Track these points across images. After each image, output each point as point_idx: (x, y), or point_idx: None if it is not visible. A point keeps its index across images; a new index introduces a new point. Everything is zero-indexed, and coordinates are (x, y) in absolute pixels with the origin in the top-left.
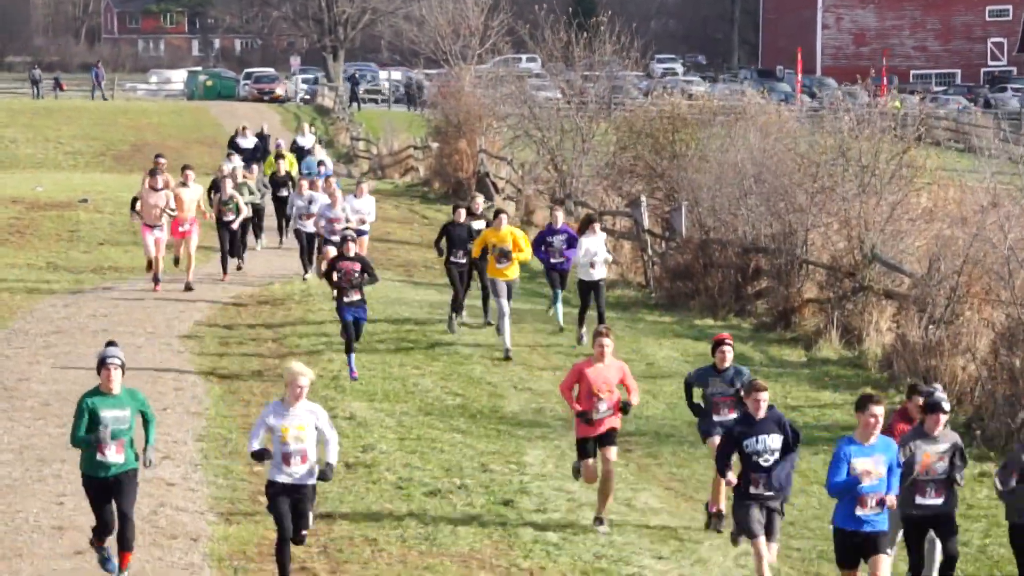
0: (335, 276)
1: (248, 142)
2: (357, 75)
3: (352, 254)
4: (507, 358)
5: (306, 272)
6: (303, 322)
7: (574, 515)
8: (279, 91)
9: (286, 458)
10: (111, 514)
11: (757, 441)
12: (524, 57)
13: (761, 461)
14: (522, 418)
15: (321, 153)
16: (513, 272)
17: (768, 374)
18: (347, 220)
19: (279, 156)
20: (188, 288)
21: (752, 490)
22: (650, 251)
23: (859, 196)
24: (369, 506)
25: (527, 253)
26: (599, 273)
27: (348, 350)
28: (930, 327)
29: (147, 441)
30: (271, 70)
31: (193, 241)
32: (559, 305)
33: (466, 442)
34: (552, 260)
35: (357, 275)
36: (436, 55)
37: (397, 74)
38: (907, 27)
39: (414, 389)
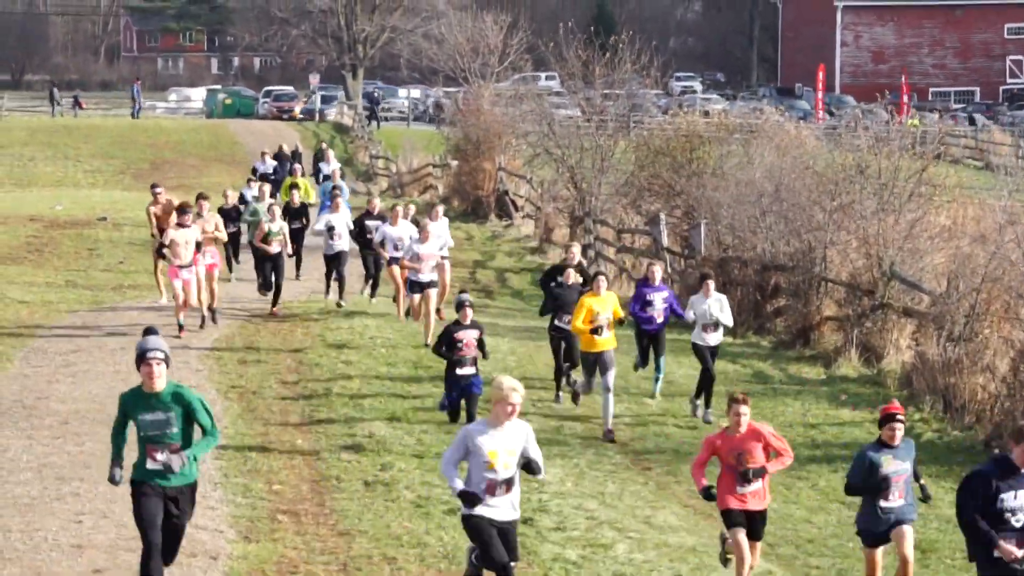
0: (451, 348)
1: (266, 167)
2: (376, 93)
3: (469, 321)
4: (610, 440)
5: (328, 293)
6: (322, 340)
7: (593, 533)
8: (298, 109)
9: (491, 487)
10: (158, 532)
11: (1016, 496)
12: (543, 75)
13: (1013, 520)
14: (541, 437)
15: (340, 181)
16: (610, 343)
17: (787, 392)
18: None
19: (293, 185)
20: (213, 321)
21: (995, 553)
22: (669, 269)
23: (878, 214)
24: (388, 524)
25: (621, 315)
26: (715, 339)
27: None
28: (949, 345)
29: (194, 449)
30: (290, 88)
31: (215, 275)
32: (660, 375)
33: None
34: (650, 321)
35: (476, 346)
36: (455, 73)
37: (416, 92)
38: (926, 45)
39: (433, 407)
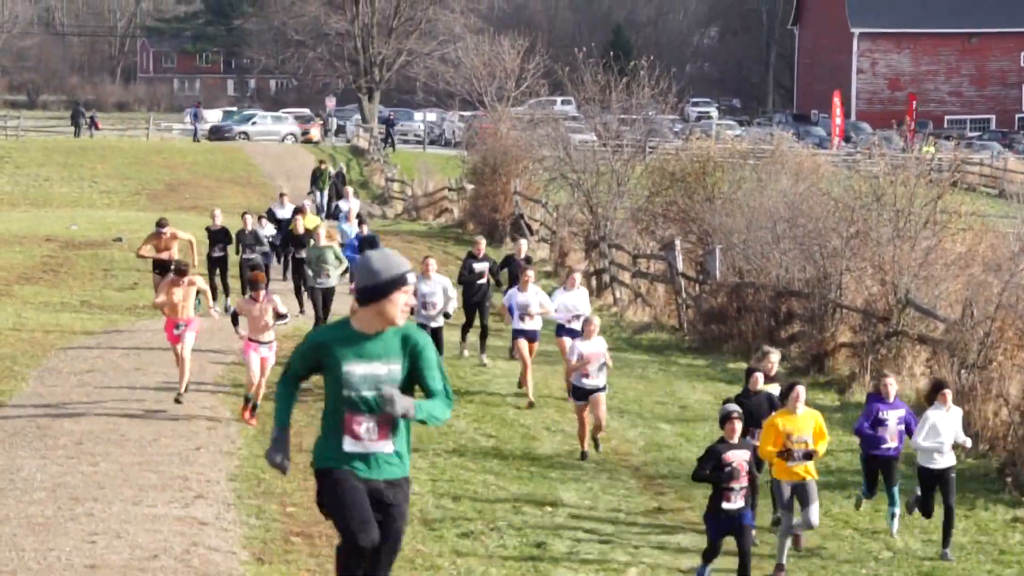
0: (716, 471)
1: (285, 210)
2: (390, 115)
3: (737, 438)
4: None
5: None
6: None
7: (606, 557)
8: (313, 132)
9: None
10: (372, 528)
11: None
12: (559, 99)
13: None
14: (555, 460)
15: (354, 207)
16: (811, 470)
17: None
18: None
19: (298, 211)
20: (179, 400)
21: None
22: (684, 294)
23: (893, 241)
24: (401, 547)
25: (826, 440)
26: (948, 460)
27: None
28: (963, 372)
29: (425, 404)
30: (306, 111)
31: (188, 344)
32: (896, 510)
33: (499, 483)
34: (883, 445)
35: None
36: (471, 97)
37: (432, 115)
38: (942, 72)
39: (447, 430)
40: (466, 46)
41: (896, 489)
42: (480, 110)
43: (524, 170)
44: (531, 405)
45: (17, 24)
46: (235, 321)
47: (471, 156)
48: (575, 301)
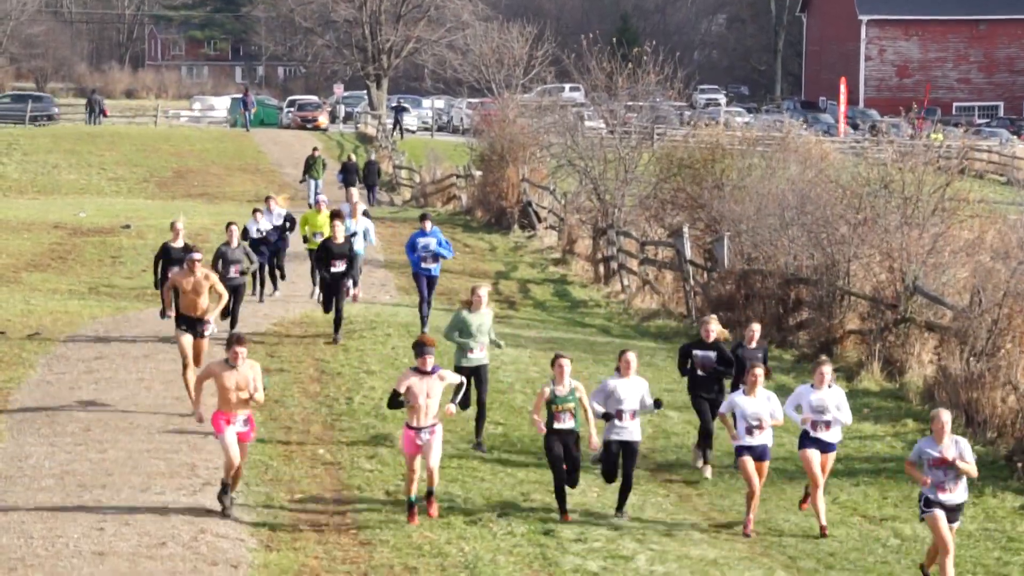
0: None
1: (274, 218)
2: (399, 101)
3: None
4: None
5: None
6: (344, 349)
7: (615, 545)
8: (322, 119)
9: None
10: None
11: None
12: (567, 86)
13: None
14: None
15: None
16: None
17: None
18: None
19: (336, 215)
20: (226, 511)
21: None
22: (692, 281)
23: (901, 228)
24: (410, 534)
25: None
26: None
27: None
28: (971, 359)
29: None
30: (314, 98)
31: (245, 449)
32: None
33: (507, 471)
34: None
35: None
36: (480, 84)
37: (440, 102)
38: (950, 59)
39: (456, 418)
40: (475, 33)
41: None
42: (488, 97)
43: (531, 157)
44: (824, 532)
45: (25, 11)
46: (395, 403)
47: (479, 143)
48: (827, 401)
